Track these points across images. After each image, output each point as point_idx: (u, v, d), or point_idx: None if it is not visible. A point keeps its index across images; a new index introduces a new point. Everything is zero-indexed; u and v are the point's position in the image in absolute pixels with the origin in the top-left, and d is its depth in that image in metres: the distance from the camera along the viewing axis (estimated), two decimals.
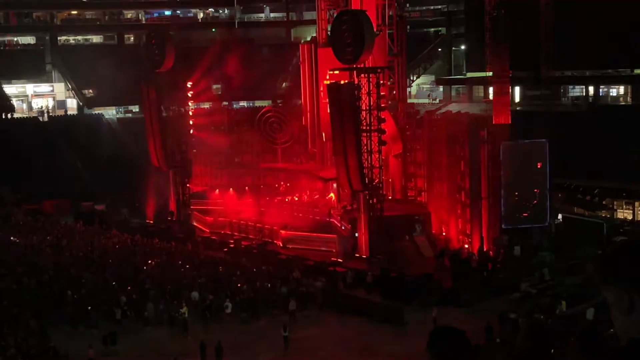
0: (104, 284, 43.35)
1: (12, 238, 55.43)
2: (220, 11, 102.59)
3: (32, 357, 32.89)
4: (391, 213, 51.86)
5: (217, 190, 64.48)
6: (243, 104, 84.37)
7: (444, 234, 51.55)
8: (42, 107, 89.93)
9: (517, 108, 69.60)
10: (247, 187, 63.94)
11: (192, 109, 64.50)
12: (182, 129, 62.93)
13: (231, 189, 63.50)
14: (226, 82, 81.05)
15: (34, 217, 63.40)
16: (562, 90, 73.67)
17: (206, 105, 73.32)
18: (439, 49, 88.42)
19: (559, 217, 51.75)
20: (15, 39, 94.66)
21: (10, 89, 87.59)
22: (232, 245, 52.74)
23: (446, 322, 33.97)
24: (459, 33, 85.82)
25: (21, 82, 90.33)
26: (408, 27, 67.59)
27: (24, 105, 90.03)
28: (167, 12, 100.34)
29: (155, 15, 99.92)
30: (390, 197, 56.52)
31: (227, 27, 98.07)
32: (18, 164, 72.03)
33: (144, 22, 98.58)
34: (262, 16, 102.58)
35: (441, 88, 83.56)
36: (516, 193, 47.37)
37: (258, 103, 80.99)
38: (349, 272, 45.26)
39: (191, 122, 63.98)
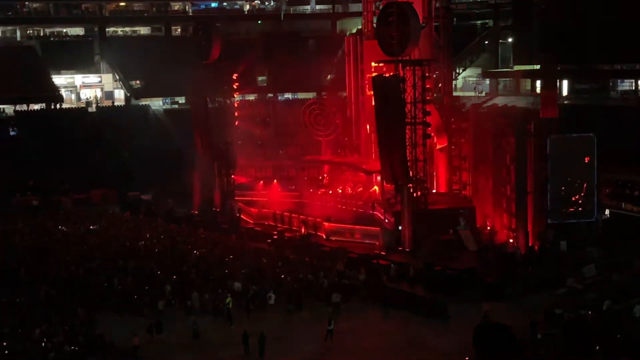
0: (149, 274, 43.87)
1: (60, 227, 56.34)
2: (267, 3, 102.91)
3: (79, 344, 33.42)
4: (435, 207, 51.64)
5: (262, 181, 64.75)
6: (288, 96, 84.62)
7: (488, 228, 51.14)
8: (90, 97, 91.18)
9: (565, 102, 68.74)
10: (291, 179, 64.11)
11: (237, 100, 64.89)
12: (227, 120, 63.30)
13: (275, 180, 63.70)
14: (271, 74, 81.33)
15: (82, 206, 64.39)
16: (610, 84, 72.58)
17: (251, 97, 73.65)
18: (486, 42, 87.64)
19: (606, 213, 51.03)
20: (65, 30, 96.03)
21: (59, 80, 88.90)
22: (275, 237, 52.96)
23: (486, 318, 33.79)
24: (507, 25, 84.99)
25: (70, 73, 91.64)
26: (455, 19, 67.15)
27: (73, 96, 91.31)
28: (214, 4, 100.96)
29: (202, 7, 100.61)
30: (434, 191, 56.26)
31: (273, 19, 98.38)
32: (66, 154, 73.12)
33: (190, 13, 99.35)
34: (307, 8, 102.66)
35: (487, 81, 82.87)
36: (563, 188, 46.85)
37: (303, 95, 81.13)
38: (392, 265, 45.19)
39: (236, 114, 64.32)
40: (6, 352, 32.23)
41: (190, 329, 36.57)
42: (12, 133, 78.18)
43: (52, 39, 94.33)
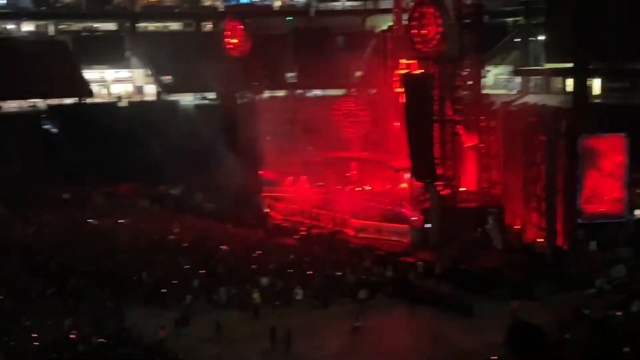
0: (177, 267, 44.16)
1: (90, 220, 56.87)
2: None
3: (107, 336, 33.75)
4: (464, 205, 51.40)
5: (289, 177, 64.80)
6: (317, 92, 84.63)
7: (517, 227, 50.82)
8: (121, 92, 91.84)
9: (597, 100, 68.02)
10: (319, 176, 64.10)
11: (266, 96, 64.95)
12: (256, 116, 63.43)
13: (303, 177, 63.74)
14: (301, 71, 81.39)
15: (111, 200, 64.94)
16: None
17: (280, 94, 73.70)
18: (517, 39, 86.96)
19: (636, 213, 50.47)
20: (96, 26, 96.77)
21: (90, 75, 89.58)
22: (303, 233, 53.05)
23: (516, 318, 33.62)
24: (538, 23, 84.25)
25: (101, 67, 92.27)
26: (486, 16, 66.66)
27: (104, 91, 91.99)
28: (245, 0, 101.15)
29: (233, 3, 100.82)
30: (463, 189, 55.97)
31: (303, 16, 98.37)
32: (97, 148, 73.70)
33: (221, 9, 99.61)
34: (338, 5, 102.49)
35: (518, 79, 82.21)
36: (593, 187, 46.41)
37: (332, 91, 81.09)
38: (420, 262, 45.09)
39: (265, 110, 64.42)
40: (36, 343, 32.63)
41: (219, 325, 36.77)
42: (47, 127, 78.89)
43: (83, 34, 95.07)
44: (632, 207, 49.15)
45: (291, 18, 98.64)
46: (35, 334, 33.63)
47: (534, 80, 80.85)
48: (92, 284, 41.66)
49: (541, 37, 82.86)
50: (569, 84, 57.99)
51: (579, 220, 46.39)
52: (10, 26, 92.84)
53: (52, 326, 34.89)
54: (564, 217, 46.49)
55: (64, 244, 48.98)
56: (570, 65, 51.48)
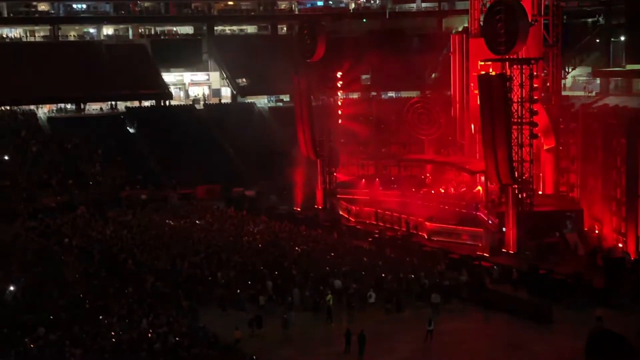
0: (251, 269, 44.48)
1: (167, 221, 57.79)
2: (372, 1, 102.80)
3: (182, 335, 34.18)
4: (541, 208, 50.50)
5: (364, 180, 64.74)
6: (391, 94, 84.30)
7: (596, 231, 49.67)
8: (198, 95, 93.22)
9: None
10: (393, 178, 63.86)
11: (341, 98, 65.08)
12: (331, 118, 63.58)
13: (377, 179, 63.58)
14: (375, 73, 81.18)
15: (188, 201, 65.91)
16: None
17: (355, 95, 73.65)
18: (597, 40, 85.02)
19: None
20: (175, 29, 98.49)
21: (168, 77, 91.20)
22: (376, 235, 52.86)
23: (596, 324, 32.77)
24: (619, 23, 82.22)
25: (179, 70, 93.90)
26: (564, 17, 65.39)
27: (182, 93, 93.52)
28: (320, 3, 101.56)
29: (308, 6, 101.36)
30: (540, 192, 55.02)
31: (378, 17, 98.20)
32: (174, 150, 74.98)
33: (296, 12, 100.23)
34: (413, 6, 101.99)
35: (598, 80, 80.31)
36: None
37: (406, 94, 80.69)
38: (495, 267, 44.44)
39: (340, 112, 64.54)
40: (114, 340, 33.25)
41: (287, 322, 36.89)
42: (131, 130, 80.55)
43: (162, 37, 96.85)
44: None
45: (366, 20, 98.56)
46: (112, 332, 34.26)
47: (614, 81, 78.87)
48: (168, 283, 42.26)
49: (622, 38, 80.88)
50: None
51: None
52: (92, 30, 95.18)
53: (129, 325, 35.50)
54: None
55: (141, 244, 49.84)
56: None
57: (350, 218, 59.17)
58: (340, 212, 60.58)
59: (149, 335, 33.97)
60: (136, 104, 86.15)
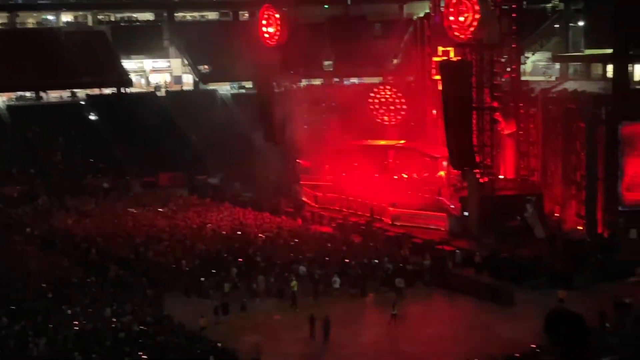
0: (216, 256, 44.46)
1: (129, 209, 57.45)
2: None
3: (147, 324, 34.12)
4: (502, 192, 51.06)
5: (327, 166, 64.80)
6: (354, 80, 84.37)
7: (557, 215, 50.40)
8: (159, 82, 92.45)
9: (637, 87, 66.98)
10: (356, 164, 64.04)
11: (303, 85, 64.98)
12: (294, 105, 63.51)
13: (340, 165, 63.70)
14: (337, 59, 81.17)
15: (151, 189, 65.55)
16: None
17: (317, 82, 73.67)
18: (556, 25, 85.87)
19: None
20: (135, 15, 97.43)
21: (129, 64, 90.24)
22: (340, 221, 53.08)
23: (557, 305, 33.33)
24: (578, 8, 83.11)
25: (140, 57, 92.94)
26: (524, 2, 65.90)
27: (142, 81, 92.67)
28: None
29: None
30: (501, 177, 55.59)
31: (340, 3, 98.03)
32: (136, 138, 74.43)
33: None
34: None
35: (557, 65, 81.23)
36: (634, 175, 45.81)
37: (369, 79, 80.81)
38: (458, 251, 44.91)
39: (302, 99, 64.46)
40: (78, 330, 33.10)
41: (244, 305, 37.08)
42: (87, 117, 79.77)
43: (122, 24, 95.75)
44: None
45: (327, 6, 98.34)
46: (76, 321, 34.10)
47: (573, 66, 79.80)
48: (132, 272, 42.10)
49: (580, 23, 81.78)
50: (609, 70, 57.12)
51: (619, 208, 45.87)
52: (50, 17, 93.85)
53: (93, 314, 35.35)
54: (604, 205, 46.00)
55: (104, 233, 49.55)
56: (610, 51, 50.70)
57: (313, 204, 59.30)
58: (304, 199, 60.68)
59: (113, 324, 33.86)
60: (97, 91, 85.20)
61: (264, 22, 63.32)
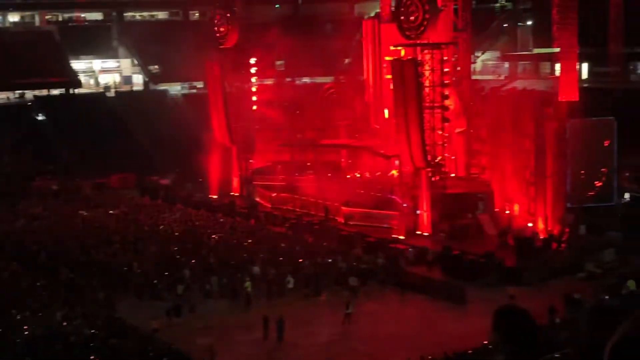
0: (168, 258, 44.10)
1: (80, 211, 56.70)
2: None
3: (98, 327, 33.69)
4: (454, 190, 51.52)
5: (280, 166, 64.73)
6: (306, 80, 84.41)
7: (507, 212, 50.95)
8: (108, 82, 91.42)
9: (585, 85, 68.13)
10: (309, 164, 64.04)
11: (255, 84, 64.83)
12: (246, 104, 63.33)
13: (293, 165, 63.67)
14: (289, 58, 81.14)
15: (101, 190, 64.77)
16: (631, 67, 71.86)
17: (269, 82, 73.53)
18: (505, 25, 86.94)
19: (626, 196, 50.69)
20: (83, 15, 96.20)
21: (78, 65, 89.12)
22: (293, 221, 53.05)
23: (508, 302, 33.72)
24: (526, 8, 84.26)
25: (88, 58, 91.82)
26: (473, 2, 66.59)
27: (91, 81, 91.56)
28: None
29: None
30: (453, 175, 56.08)
31: (291, 3, 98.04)
32: (86, 139, 73.47)
33: None
34: None
35: (507, 64, 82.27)
36: (582, 171, 46.59)
37: (320, 79, 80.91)
38: (410, 249, 45.19)
39: (254, 98, 64.33)
40: (28, 334, 32.55)
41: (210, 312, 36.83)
42: (35, 118, 78.53)
43: (70, 24, 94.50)
44: (621, 191, 49.36)
45: (279, 6, 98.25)
46: (26, 325, 33.53)
47: (522, 65, 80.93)
48: (83, 275, 41.53)
49: (529, 22, 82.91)
50: (557, 68, 58.02)
51: (569, 205, 46.55)
52: None
53: (43, 318, 34.80)
54: (553, 202, 46.63)
55: (54, 236, 48.81)
56: (558, 50, 51.49)
57: (266, 204, 59.19)
58: (257, 199, 60.52)
59: (64, 328, 33.37)
60: (45, 92, 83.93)
61: (214, 21, 62.97)
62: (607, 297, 34.86)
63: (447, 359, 29.52)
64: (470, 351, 29.83)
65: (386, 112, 59.78)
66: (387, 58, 55.89)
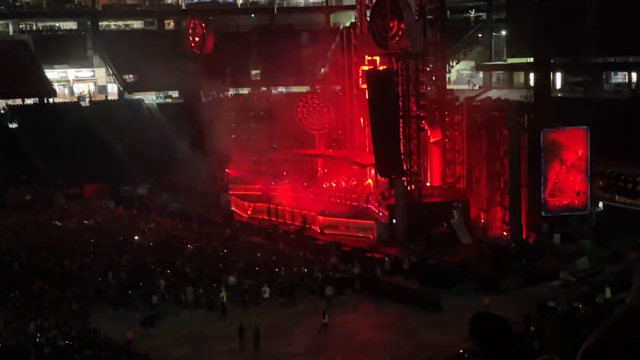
0: (143, 268, 43.84)
1: (53, 222, 56.25)
2: None
3: (73, 339, 33.41)
4: (429, 200, 51.69)
5: (255, 175, 64.59)
6: (281, 89, 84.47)
7: (482, 221, 51.23)
8: (83, 92, 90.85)
9: (558, 94, 68.80)
10: (285, 173, 63.98)
11: (231, 94, 64.73)
12: (221, 114, 63.17)
13: (269, 174, 63.60)
14: (265, 68, 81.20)
15: (75, 201, 64.28)
16: (604, 77, 72.66)
17: (245, 91, 73.40)
18: (479, 35, 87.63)
19: (599, 205, 51.14)
20: (57, 25, 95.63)
21: (52, 74, 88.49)
22: (269, 231, 52.95)
23: (484, 310, 33.85)
24: (500, 18, 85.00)
25: (63, 67, 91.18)
26: (448, 12, 67.07)
27: (66, 90, 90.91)
28: None
29: (196, 1, 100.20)
30: (428, 184, 56.29)
31: (266, 13, 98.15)
32: (60, 148, 72.93)
33: (183, 7, 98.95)
34: (301, 1, 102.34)
35: (481, 74, 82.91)
36: (556, 180, 46.91)
37: (296, 89, 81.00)
38: (386, 258, 45.24)
39: (230, 108, 64.20)
40: (0, 346, 32.20)
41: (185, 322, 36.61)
42: (12, 126, 77.84)
43: (44, 33, 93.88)
44: (595, 199, 49.78)
45: (254, 15, 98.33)
46: None
47: (496, 75, 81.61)
48: (56, 286, 41.17)
49: (503, 33, 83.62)
50: (531, 78, 58.54)
51: (543, 214, 46.89)
52: None
53: (17, 329, 34.44)
54: (528, 211, 46.95)
55: (27, 246, 48.37)
56: (532, 60, 51.90)
57: (242, 214, 59.04)
58: (233, 208, 60.36)
59: (37, 339, 33.05)
60: (19, 101, 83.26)
61: (189, 31, 62.88)
62: (580, 305, 35.13)
63: None
64: (446, 359, 29.91)
65: (362, 121, 59.94)
66: (363, 68, 56.04)
